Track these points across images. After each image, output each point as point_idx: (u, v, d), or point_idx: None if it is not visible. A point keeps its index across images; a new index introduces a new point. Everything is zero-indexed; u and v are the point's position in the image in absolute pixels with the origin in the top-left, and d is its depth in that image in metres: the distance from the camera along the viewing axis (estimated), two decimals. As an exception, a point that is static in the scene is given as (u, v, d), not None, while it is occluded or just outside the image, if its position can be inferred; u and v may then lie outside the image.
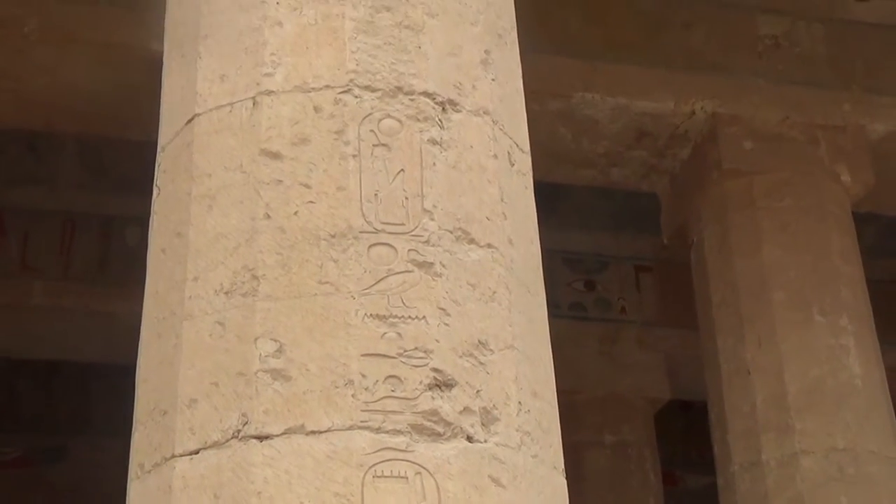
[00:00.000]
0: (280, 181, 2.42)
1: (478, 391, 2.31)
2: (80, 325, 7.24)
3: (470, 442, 2.26)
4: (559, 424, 2.56)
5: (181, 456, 2.27)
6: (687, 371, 7.36)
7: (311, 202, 2.39)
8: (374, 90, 2.50)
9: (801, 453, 5.52)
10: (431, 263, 2.37)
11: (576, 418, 7.90)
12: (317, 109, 2.48)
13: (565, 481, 2.50)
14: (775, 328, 5.80)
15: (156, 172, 2.73)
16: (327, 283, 2.32)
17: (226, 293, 2.36)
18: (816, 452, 5.51)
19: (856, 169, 6.33)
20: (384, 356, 2.26)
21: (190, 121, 2.61)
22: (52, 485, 8.26)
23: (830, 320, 5.83)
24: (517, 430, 2.34)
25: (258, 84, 2.54)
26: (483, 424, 2.29)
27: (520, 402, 2.36)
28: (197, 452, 2.26)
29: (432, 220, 2.41)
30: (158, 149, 2.74)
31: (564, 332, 7.77)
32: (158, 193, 2.66)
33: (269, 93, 2.51)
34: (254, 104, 2.51)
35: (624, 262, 8.19)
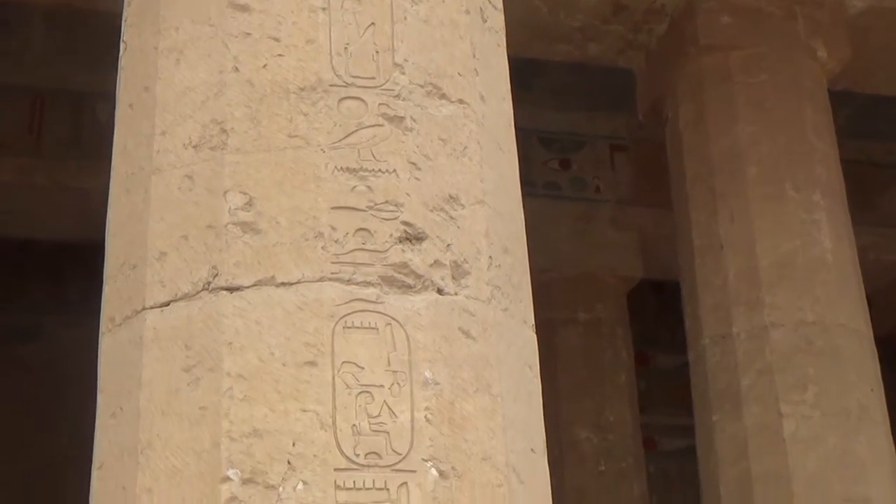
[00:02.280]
0: (248, 34, 2.40)
1: (448, 245, 2.32)
2: (52, 202, 7.22)
3: (440, 294, 2.28)
4: (530, 282, 2.58)
5: (152, 308, 2.28)
6: (660, 250, 7.40)
7: (280, 55, 2.38)
8: (341, -58, 2.44)
9: (771, 326, 5.59)
10: (402, 118, 2.36)
11: (549, 296, 7.96)
12: (286, -37, 2.43)
13: (535, 336, 2.52)
14: (748, 203, 5.83)
15: (122, 27, 2.68)
16: (297, 136, 2.31)
17: (194, 147, 2.35)
18: (786, 325, 5.58)
19: (832, 45, 6.31)
20: (354, 209, 2.27)
21: (155, -24, 2.55)
22: (27, 363, 8.27)
23: (803, 196, 5.85)
24: (487, 284, 2.35)
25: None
26: (453, 278, 2.30)
27: (490, 257, 2.38)
28: (167, 304, 2.28)
29: (403, 74, 2.40)
30: (125, 2, 2.69)
31: (539, 211, 7.80)
32: (125, 49, 2.63)
33: (237, -56, 2.46)
34: (221, -45, 2.46)
35: (599, 141, 8.17)
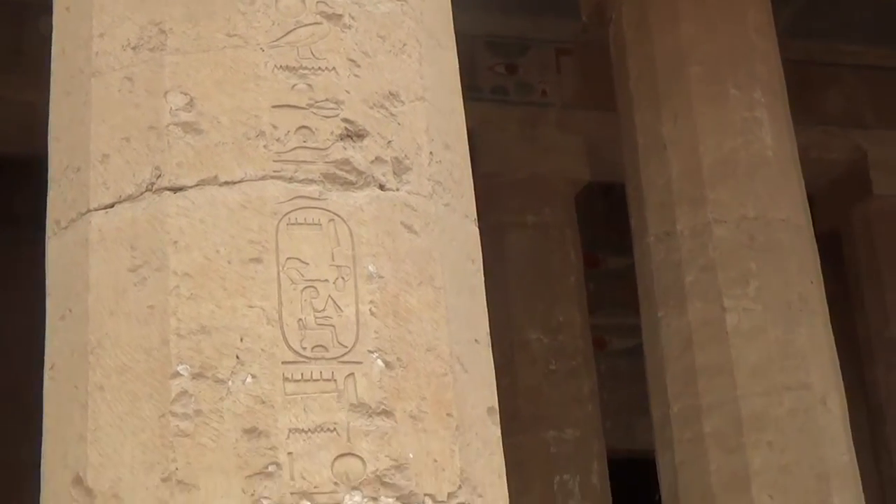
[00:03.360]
0: None
1: (389, 141, 2.33)
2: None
3: (382, 190, 2.29)
4: (471, 175, 2.59)
5: (96, 210, 2.29)
6: (607, 153, 7.46)
7: None
8: None
9: (714, 222, 5.68)
10: (340, 15, 2.35)
11: (498, 200, 8.01)
12: None
13: (477, 229, 2.55)
14: (691, 102, 5.88)
15: None
16: (236, 35, 2.30)
17: (133, 48, 2.33)
18: (728, 221, 5.68)
19: (775, -55, 6.35)
20: (295, 107, 2.28)
21: None
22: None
23: (745, 94, 5.92)
24: (429, 180, 2.37)
25: None
26: (395, 173, 2.31)
27: (431, 153, 2.39)
28: (112, 206, 2.28)
29: None
30: None
31: (486, 116, 7.83)
32: None
33: None
34: None
35: (544, 45, 8.18)
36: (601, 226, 9.12)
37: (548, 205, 8.35)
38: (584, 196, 8.64)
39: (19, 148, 7.31)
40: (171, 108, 2.27)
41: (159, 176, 2.24)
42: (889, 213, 8.91)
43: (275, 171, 2.23)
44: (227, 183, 2.22)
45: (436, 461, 2.18)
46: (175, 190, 2.23)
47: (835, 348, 5.75)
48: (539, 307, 8.30)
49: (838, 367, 5.69)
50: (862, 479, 5.58)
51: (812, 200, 8.57)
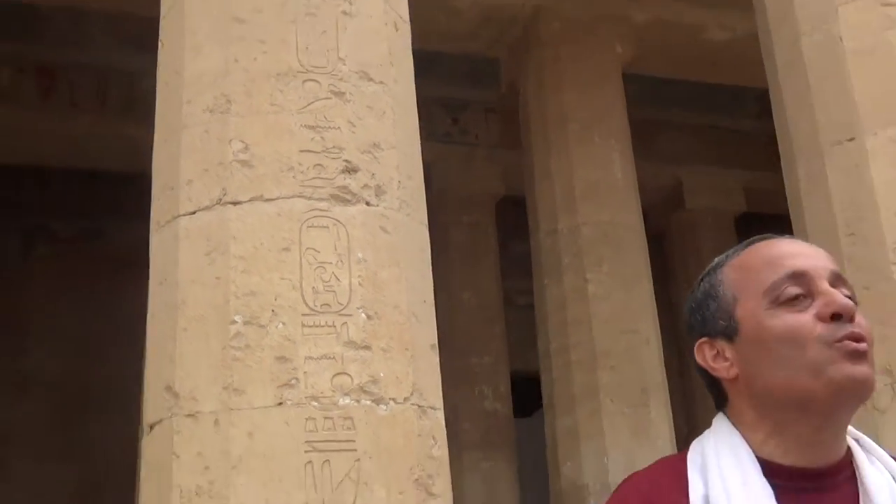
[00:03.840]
0: (243, 37, 2.36)
1: (373, 175, 2.33)
2: (115, 148, 7.04)
3: (368, 206, 2.30)
4: (424, 194, 2.59)
5: (183, 216, 2.29)
6: (515, 177, 7.39)
7: (265, 52, 2.35)
8: (306, -22, 2.40)
9: (582, 224, 5.65)
10: (343, 93, 2.36)
11: (444, 207, 8.00)
12: (267, -10, 2.38)
13: (427, 231, 2.55)
14: (569, 146, 5.86)
15: (160, 28, 2.63)
16: (276, 105, 2.30)
17: (210, 111, 2.32)
18: (591, 224, 5.66)
19: (626, 44, 6.35)
20: (313, 152, 2.28)
21: (181, -3, 2.49)
22: (94, 257, 8.09)
23: (604, 141, 5.92)
24: (397, 199, 2.37)
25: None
26: (376, 195, 2.32)
27: (399, 182, 2.40)
28: (194, 213, 2.28)
29: (344, 65, 2.39)
30: (161, 11, 2.62)
31: (438, 152, 7.82)
32: (162, 46, 2.58)
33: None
34: (227, -13, 2.41)
35: (478, 106, 8.13)
36: (511, 224, 9.06)
37: (477, 210, 8.31)
38: (501, 205, 8.63)
39: (124, 167, 7.12)
40: (233, 151, 2.27)
41: (225, 194, 2.25)
42: (694, 220, 8.98)
43: (299, 193, 2.24)
44: (268, 199, 2.23)
45: (397, 377, 2.19)
46: (235, 203, 2.23)
47: (655, 307, 5.77)
48: (469, 276, 8.30)
49: (657, 319, 5.71)
50: (670, 394, 5.63)
51: (646, 212, 8.65)
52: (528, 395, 7.93)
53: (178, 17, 2.48)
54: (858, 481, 1.06)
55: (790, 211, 3.58)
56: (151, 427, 2.21)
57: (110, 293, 7.63)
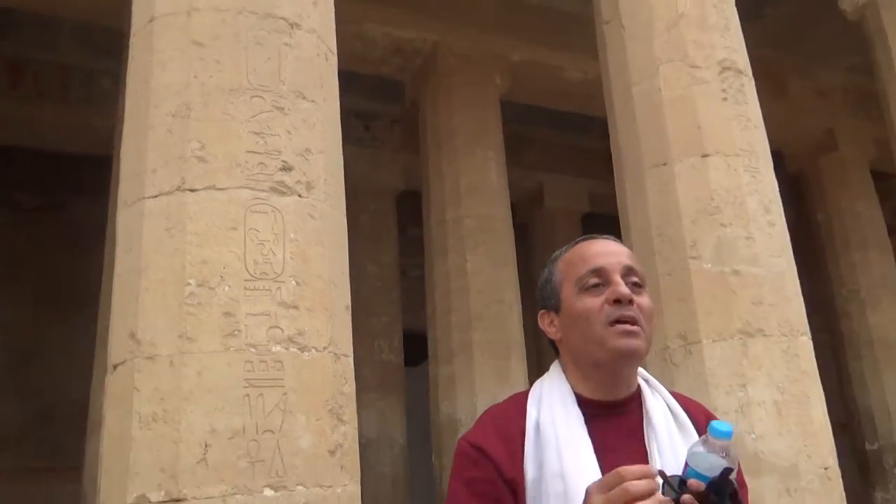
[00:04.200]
0: (203, 59, 2.33)
1: (304, 173, 2.34)
2: (81, 132, 6.68)
3: (300, 198, 2.31)
4: (343, 190, 2.60)
5: (148, 198, 2.25)
6: (414, 175, 7.42)
7: (220, 71, 2.32)
8: (254, 13, 2.40)
9: (465, 217, 5.76)
10: (283, 108, 2.36)
11: (356, 196, 7.97)
12: (223, 21, 2.37)
13: (346, 220, 2.58)
14: (457, 155, 5.96)
15: (130, 45, 2.54)
16: (227, 114, 2.28)
17: (172, 115, 2.29)
18: (471, 216, 5.76)
19: (503, 76, 6.48)
20: (257, 153, 2.28)
21: (150, 21, 2.43)
22: (56, 227, 7.65)
23: (484, 152, 6.04)
24: (323, 193, 2.39)
25: (190, 3, 2.39)
26: (307, 189, 2.34)
27: (325, 180, 2.42)
28: (156, 196, 2.24)
29: (284, 85, 2.38)
30: (131, 30, 2.54)
31: (354, 154, 7.78)
32: (132, 59, 2.50)
33: (196, 9, 2.38)
34: (188, 14, 2.38)
35: (386, 117, 8.15)
36: (408, 212, 9.10)
37: (382, 200, 8.35)
38: (401, 196, 8.68)
39: (90, 150, 6.77)
40: (191, 149, 2.24)
41: (183, 183, 2.22)
42: (553, 215, 9.26)
43: (245, 185, 2.23)
44: (220, 189, 2.22)
45: (318, 331, 2.23)
46: (192, 190, 2.21)
47: (518, 282, 5.92)
48: (373, 253, 8.34)
49: (519, 292, 5.83)
50: (527, 349, 5.77)
51: (514, 208, 8.88)
52: (416, 348, 8.05)
53: (148, 36, 2.42)
54: (643, 408, 1.25)
55: (619, 214, 3.82)
56: (115, 367, 2.18)
57: (70, 258, 7.29)
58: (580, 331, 1.22)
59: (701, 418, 1.25)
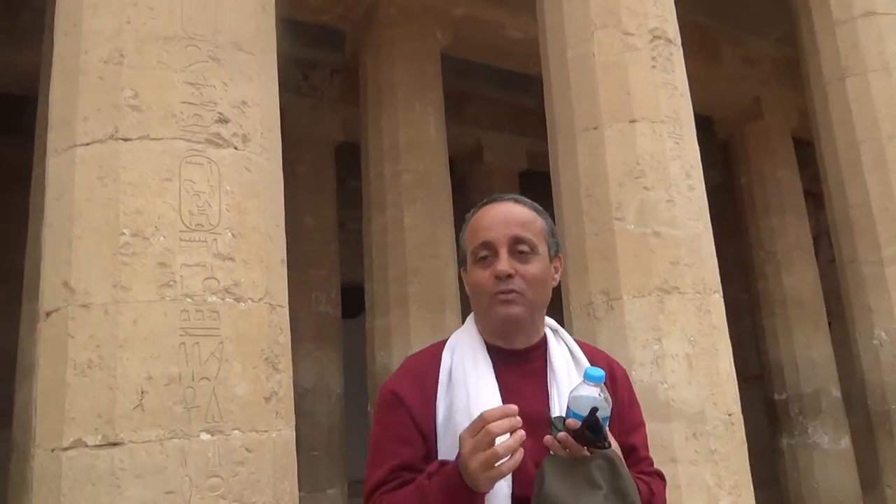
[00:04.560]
0: (136, 4, 2.27)
1: (241, 125, 2.34)
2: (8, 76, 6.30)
3: (236, 150, 2.31)
4: (280, 143, 2.60)
5: (79, 146, 2.22)
6: (353, 127, 7.38)
7: (154, 18, 2.27)
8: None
9: (403, 171, 5.77)
10: (219, 59, 2.33)
11: (293, 146, 7.88)
12: (157, -34, 2.28)
13: (282, 173, 2.58)
14: (396, 110, 5.92)
15: None
16: (163, 63, 2.25)
17: (104, 62, 2.25)
18: (409, 171, 5.77)
19: (444, 32, 6.44)
20: (193, 104, 2.25)
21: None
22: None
23: (423, 108, 6.01)
24: (259, 146, 2.39)
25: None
26: (243, 142, 2.34)
27: (262, 133, 2.42)
28: (89, 144, 2.21)
29: (220, 35, 2.36)
30: None
31: (291, 103, 7.67)
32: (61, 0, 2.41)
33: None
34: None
35: (325, 67, 8.00)
36: (347, 164, 8.98)
37: (320, 151, 8.24)
38: (339, 148, 8.60)
39: (8, 90, 6.42)
40: (125, 97, 2.20)
41: (117, 131, 2.19)
42: (490, 172, 9.38)
43: (180, 136, 2.22)
44: (154, 139, 2.19)
45: (254, 282, 2.25)
46: (126, 140, 2.18)
47: (455, 238, 5.83)
48: (311, 204, 8.26)
49: (455, 246, 5.76)
50: (460, 303, 5.79)
51: (454, 163, 8.93)
52: (353, 300, 8.12)
53: (78, -23, 2.33)
54: (547, 355, 1.38)
55: (551, 175, 3.95)
56: (48, 314, 2.17)
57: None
58: (475, 297, 1.35)
59: (603, 365, 1.39)
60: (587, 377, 1.18)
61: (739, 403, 3.48)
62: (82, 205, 2.18)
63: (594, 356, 1.41)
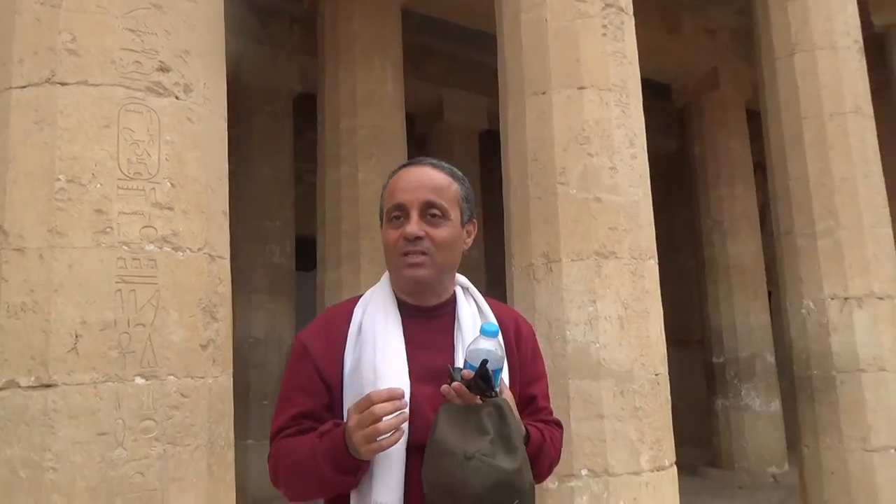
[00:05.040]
0: None
1: (182, 75, 2.31)
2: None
3: (177, 100, 2.30)
4: (225, 95, 2.56)
5: (15, 88, 2.17)
6: (311, 77, 7.28)
7: None
8: None
9: (358, 127, 5.76)
10: (161, 6, 2.29)
11: (250, 96, 7.79)
12: None
13: (226, 122, 2.54)
14: (354, 65, 5.88)
15: None
16: (102, 7, 2.21)
17: (41, 3, 2.19)
18: (366, 127, 5.76)
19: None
20: (133, 51, 2.22)
21: None
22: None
23: (381, 62, 5.97)
24: (202, 97, 2.38)
25: None
26: (184, 92, 2.32)
27: (204, 83, 2.40)
28: (24, 87, 2.16)
29: None
30: None
31: (249, 51, 7.53)
32: None
33: None
34: None
35: (284, 15, 7.83)
36: (305, 115, 8.96)
37: (277, 102, 8.16)
38: (297, 99, 8.53)
39: None
40: (62, 41, 2.16)
41: (53, 75, 2.15)
42: (450, 130, 9.39)
43: (120, 83, 2.19)
44: (92, 84, 2.17)
45: (193, 233, 2.26)
46: (63, 84, 2.15)
47: None
48: (267, 155, 8.21)
49: None
50: None
51: (414, 119, 8.93)
52: (308, 253, 8.14)
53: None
54: (455, 312, 1.46)
55: (501, 137, 4.00)
56: None
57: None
58: (386, 255, 1.42)
59: (509, 322, 1.48)
60: (482, 332, 1.27)
61: (667, 365, 3.66)
62: (17, 148, 2.15)
63: (501, 313, 1.50)
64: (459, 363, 1.34)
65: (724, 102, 8.80)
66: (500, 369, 1.27)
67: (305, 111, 8.68)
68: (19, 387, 2.03)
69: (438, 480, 1.19)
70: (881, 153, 5.27)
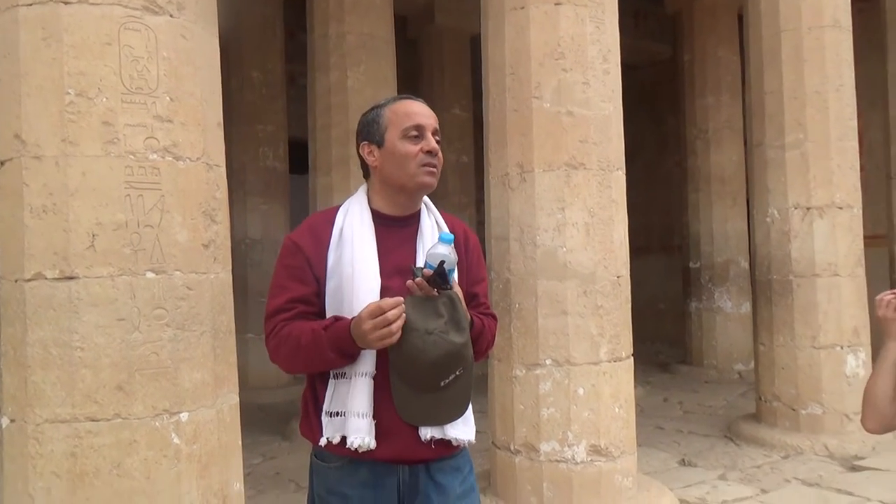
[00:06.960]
0: None
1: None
2: None
3: (171, 17, 2.40)
4: (216, 11, 2.61)
5: (22, 6, 2.25)
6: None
7: None
8: None
9: (347, 33, 5.81)
10: None
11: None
12: None
13: (217, 41, 2.60)
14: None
15: None
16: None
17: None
18: (354, 34, 5.84)
19: None
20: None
21: None
22: None
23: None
24: (194, 14, 2.44)
25: None
26: (178, 10, 2.42)
27: (196, 0, 2.47)
28: (31, 5, 2.26)
29: None
30: None
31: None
32: None
33: None
34: None
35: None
36: (296, 18, 8.80)
37: (268, 4, 8.08)
38: (289, 1, 8.39)
39: None
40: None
41: None
42: (441, 33, 9.24)
43: (118, 2, 2.30)
44: (93, 4, 2.27)
45: (192, 143, 2.41)
46: (66, 3, 2.26)
47: None
48: (259, 59, 8.23)
49: None
50: None
51: (406, 22, 8.75)
52: (301, 157, 8.30)
53: None
54: (419, 223, 1.77)
55: (482, 50, 4.13)
56: (3, 163, 2.34)
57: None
58: (399, 165, 1.70)
59: (460, 233, 1.79)
60: (441, 239, 1.58)
61: (628, 268, 3.99)
62: (29, 64, 2.28)
63: (454, 225, 1.81)
64: (420, 263, 1.66)
65: (715, 9, 8.74)
66: (454, 270, 1.59)
67: (298, 12, 8.55)
68: (45, 278, 2.29)
69: (404, 350, 1.50)
70: (864, 66, 5.38)
